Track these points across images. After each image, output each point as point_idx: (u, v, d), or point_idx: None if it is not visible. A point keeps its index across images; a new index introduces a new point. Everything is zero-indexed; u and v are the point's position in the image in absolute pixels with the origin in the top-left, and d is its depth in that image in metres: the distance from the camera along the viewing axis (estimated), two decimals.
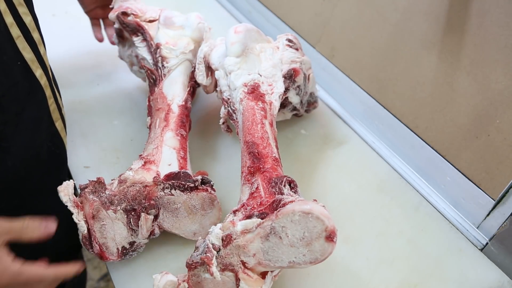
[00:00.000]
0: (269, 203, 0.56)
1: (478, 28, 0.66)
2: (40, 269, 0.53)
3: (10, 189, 0.60)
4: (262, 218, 0.54)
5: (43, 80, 0.62)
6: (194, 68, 0.78)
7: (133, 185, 0.63)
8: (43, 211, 0.59)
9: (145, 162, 0.66)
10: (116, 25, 0.83)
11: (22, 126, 0.59)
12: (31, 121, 0.61)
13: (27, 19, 0.59)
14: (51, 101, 0.65)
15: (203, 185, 0.64)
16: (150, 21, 0.81)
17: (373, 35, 0.82)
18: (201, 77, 0.76)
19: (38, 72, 0.61)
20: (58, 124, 0.68)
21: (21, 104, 0.59)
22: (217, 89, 0.75)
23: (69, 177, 0.78)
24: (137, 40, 0.80)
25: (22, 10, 0.58)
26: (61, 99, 0.71)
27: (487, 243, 0.68)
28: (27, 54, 0.59)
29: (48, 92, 0.64)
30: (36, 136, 0.63)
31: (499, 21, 0.64)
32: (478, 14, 0.66)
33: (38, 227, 0.53)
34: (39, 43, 0.62)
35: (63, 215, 0.57)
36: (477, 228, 0.70)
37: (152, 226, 0.64)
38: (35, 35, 0.61)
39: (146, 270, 0.65)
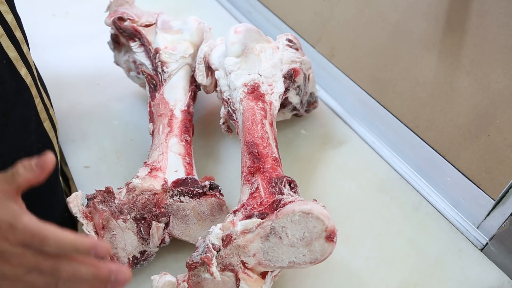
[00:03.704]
0: (269, 203, 0.56)
1: (478, 28, 0.66)
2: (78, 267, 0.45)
3: None
4: (262, 218, 0.54)
5: (28, 79, 0.61)
6: (194, 71, 0.77)
7: (142, 193, 0.62)
8: (35, 215, 0.57)
9: (151, 169, 0.65)
10: (112, 31, 0.81)
11: (11, 126, 0.58)
12: (20, 121, 0.60)
13: (9, 17, 0.58)
14: (37, 101, 0.64)
15: (211, 191, 0.64)
16: (146, 26, 0.80)
17: (373, 35, 0.82)
18: (201, 77, 0.76)
19: (23, 71, 0.60)
20: (46, 125, 0.67)
21: (10, 104, 0.58)
22: (217, 89, 0.75)
23: (63, 180, 0.77)
24: (134, 45, 0.79)
25: (3, 8, 0.57)
26: (48, 100, 0.70)
27: (487, 243, 0.68)
28: (11, 52, 0.58)
29: (34, 91, 0.63)
30: (25, 137, 0.62)
31: (499, 21, 0.64)
32: (478, 14, 0.66)
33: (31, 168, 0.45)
34: (22, 41, 0.61)
35: (54, 218, 0.56)
36: (477, 228, 0.70)
37: (163, 234, 0.63)
38: (18, 34, 0.60)
39: (146, 270, 0.65)
